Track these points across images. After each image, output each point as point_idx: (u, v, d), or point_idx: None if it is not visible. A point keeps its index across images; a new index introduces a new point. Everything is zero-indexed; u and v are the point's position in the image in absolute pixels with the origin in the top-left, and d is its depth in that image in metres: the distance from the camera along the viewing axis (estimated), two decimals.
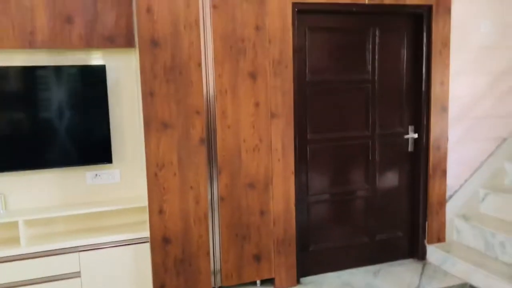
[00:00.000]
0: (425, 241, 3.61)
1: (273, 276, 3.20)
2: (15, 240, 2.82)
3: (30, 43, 2.70)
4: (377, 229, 3.57)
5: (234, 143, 2.99)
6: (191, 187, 2.94)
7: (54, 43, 2.74)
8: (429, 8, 3.35)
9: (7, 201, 2.89)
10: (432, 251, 3.57)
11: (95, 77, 2.88)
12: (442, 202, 3.61)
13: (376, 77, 3.39)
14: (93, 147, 2.94)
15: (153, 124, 2.81)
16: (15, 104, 2.78)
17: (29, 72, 2.78)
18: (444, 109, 3.49)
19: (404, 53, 3.44)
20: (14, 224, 2.83)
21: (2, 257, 2.69)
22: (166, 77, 2.80)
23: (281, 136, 3.09)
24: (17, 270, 2.72)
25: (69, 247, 2.81)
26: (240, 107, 2.97)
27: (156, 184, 2.86)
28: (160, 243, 2.92)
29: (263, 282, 3.24)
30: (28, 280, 2.74)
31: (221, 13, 2.87)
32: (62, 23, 2.74)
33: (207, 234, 3.01)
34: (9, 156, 2.81)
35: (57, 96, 2.86)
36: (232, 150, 2.99)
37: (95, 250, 2.85)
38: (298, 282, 3.28)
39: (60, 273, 2.80)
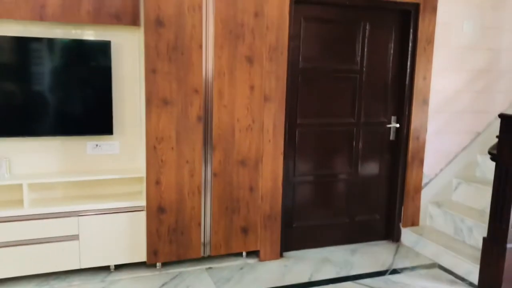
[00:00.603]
0: (400, 224, 3.88)
1: (258, 248, 3.42)
2: (18, 202, 2.97)
3: (41, 16, 2.84)
4: (356, 211, 3.82)
5: (229, 122, 3.18)
6: (187, 161, 3.13)
7: (63, 17, 2.88)
8: (416, 6, 3.57)
9: (11, 165, 3.03)
10: (406, 234, 3.84)
11: (100, 52, 3.03)
12: (418, 189, 3.88)
13: (364, 68, 3.61)
14: (95, 119, 3.10)
15: (154, 100, 2.99)
16: (23, 73, 2.92)
17: (36, 43, 2.92)
18: (425, 102, 3.74)
19: (391, 47, 3.67)
20: (18, 187, 2.98)
21: (6, 217, 2.85)
22: (168, 56, 2.97)
23: (272, 119, 3.29)
24: (20, 230, 2.88)
25: (69, 211, 2.97)
26: (236, 89, 3.16)
27: (154, 156, 3.05)
28: (155, 212, 3.12)
29: (248, 253, 3.47)
30: (30, 239, 2.90)
31: None
32: None
33: (199, 206, 3.22)
34: (15, 122, 2.95)
35: (63, 67, 3.00)
36: (226, 128, 3.19)
37: (94, 215, 3.02)
38: (281, 255, 3.51)
39: (60, 235, 2.96)
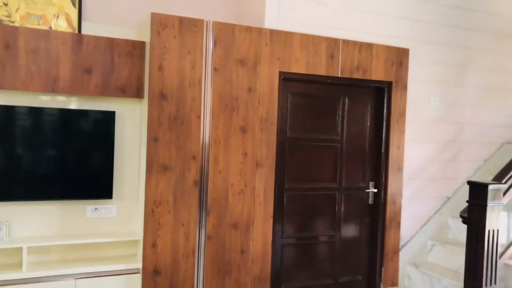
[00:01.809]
0: (381, 285, 4.07)
1: None
2: (17, 266, 3.02)
3: (53, 88, 3.07)
4: (340, 272, 4.00)
5: (223, 186, 3.40)
6: (183, 224, 3.29)
7: (73, 90, 3.11)
8: (389, 84, 4.01)
9: (10, 228, 3.11)
10: None
11: (105, 122, 3.25)
12: (396, 251, 4.12)
13: (344, 138, 3.95)
14: (96, 184, 3.26)
15: (154, 166, 3.19)
16: (30, 140, 3.09)
17: (46, 113, 3.12)
18: (400, 169, 4.08)
19: (368, 119, 4.05)
20: (16, 251, 3.05)
21: (5, 280, 2.89)
22: (169, 126, 3.22)
23: (263, 183, 3.53)
24: None
25: (66, 274, 3.04)
26: (230, 156, 3.41)
27: (152, 219, 3.20)
28: (151, 275, 3.21)
29: None
30: None
31: (220, 75, 3.37)
32: (82, 73, 3.13)
33: (193, 268, 3.34)
34: (18, 187, 3.08)
35: (69, 135, 3.20)
36: (221, 192, 3.40)
37: (91, 278, 3.10)
38: None
39: None
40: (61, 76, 3.09)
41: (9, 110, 3.02)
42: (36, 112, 3.09)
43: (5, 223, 3.05)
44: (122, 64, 3.23)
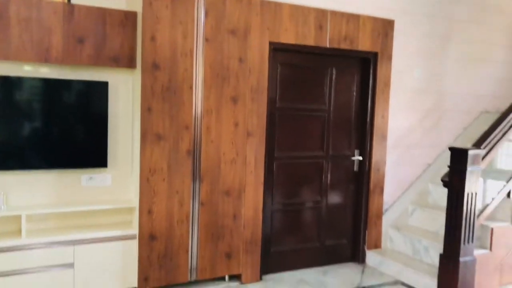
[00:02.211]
0: (365, 247, 4.29)
1: (240, 272, 3.69)
2: (16, 233, 3.10)
3: (45, 58, 3.07)
4: (326, 236, 4.20)
5: (215, 155, 3.50)
6: (177, 192, 3.40)
7: (66, 60, 3.13)
8: (375, 54, 4.11)
9: (7, 198, 3.17)
10: (371, 256, 4.25)
11: (98, 91, 3.28)
12: (379, 215, 4.33)
13: (331, 108, 4.08)
14: (92, 153, 3.32)
15: (148, 136, 3.26)
16: (25, 111, 3.12)
17: (40, 83, 3.14)
18: (384, 137, 4.24)
19: (354, 89, 4.18)
20: (14, 219, 3.12)
21: (5, 247, 2.97)
22: (162, 96, 3.28)
23: (254, 152, 3.65)
24: (18, 259, 3.00)
25: (65, 240, 3.14)
26: (222, 125, 3.50)
27: (147, 187, 3.29)
28: (147, 240, 3.33)
29: (231, 277, 3.73)
30: (27, 268, 3.03)
31: (212, 46, 3.41)
32: (74, 43, 3.14)
33: (187, 233, 3.47)
34: (14, 156, 3.12)
35: (63, 105, 3.23)
36: (213, 161, 3.50)
37: (89, 244, 3.20)
38: (260, 278, 3.79)
39: (56, 264, 3.11)
40: (54, 46, 3.09)
41: (4, 80, 3.03)
42: (29, 82, 3.10)
43: (2, 192, 3.10)
44: (114, 34, 3.24)
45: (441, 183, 3.47)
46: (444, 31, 4.51)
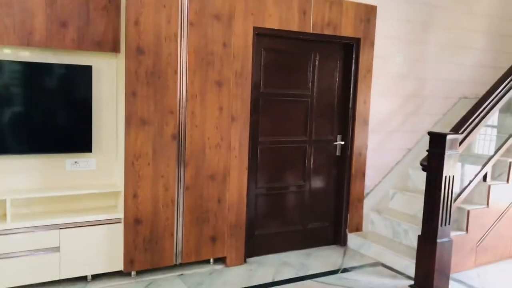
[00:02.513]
0: (347, 230, 4.39)
1: (225, 255, 3.75)
2: (1, 217, 3.10)
3: (28, 42, 3.04)
4: (309, 219, 4.28)
5: (200, 140, 3.53)
6: (162, 176, 3.42)
7: (49, 44, 3.10)
8: (358, 40, 4.17)
9: None
10: (352, 238, 4.36)
11: (82, 76, 3.27)
12: (361, 199, 4.43)
13: (314, 93, 4.13)
14: (77, 137, 3.31)
15: (133, 120, 3.27)
16: (8, 95, 3.09)
17: (23, 67, 3.11)
18: (366, 122, 4.32)
19: (337, 75, 4.23)
20: (0, 203, 3.11)
21: None
22: (147, 80, 3.28)
23: (238, 137, 3.68)
24: (3, 244, 3.01)
25: (50, 224, 3.14)
26: (206, 110, 3.53)
27: (132, 171, 3.31)
28: (132, 224, 3.36)
29: (215, 260, 3.79)
30: (12, 253, 3.04)
31: (196, 30, 3.42)
32: (58, 27, 3.11)
33: (172, 217, 3.51)
34: None
35: (47, 90, 3.21)
36: (198, 146, 3.53)
37: (74, 228, 3.21)
38: (245, 261, 3.87)
39: (42, 247, 3.12)
40: (37, 29, 3.06)
41: None
42: (12, 66, 3.07)
43: None
44: (98, 18, 3.22)
45: (420, 167, 3.57)
46: (425, 17, 4.58)
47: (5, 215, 3.08)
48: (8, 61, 3.07)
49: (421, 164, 3.54)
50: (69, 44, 3.16)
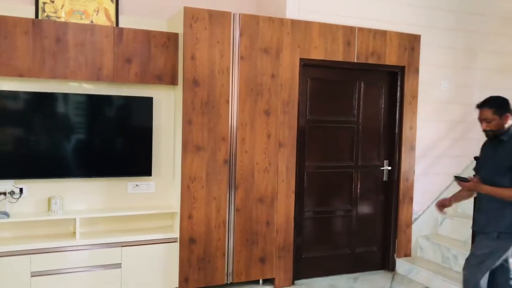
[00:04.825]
0: (395, 255, 4.40)
1: (274, 276, 3.89)
2: (70, 235, 3.43)
3: (98, 77, 3.42)
4: (356, 243, 4.34)
5: (249, 165, 3.74)
6: (214, 198, 3.65)
7: (116, 78, 3.47)
8: (402, 68, 4.28)
9: (63, 203, 3.50)
10: (400, 263, 4.36)
11: (144, 106, 3.61)
12: (409, 224, 4.44)
13: (360, 120, 4.26)
14: (137, 162, 3.63)
15: (189, 146, 3.55)
16: (77, 124, 3.47)
17: (91, 99, 3.49)
18: (412, 148, 4.38)
19: (382, 102, 4.35)
20: (67, 221, 3.45)
21: (61, 247, 3.30)
22: (201, 110, 3.56)
23: (285, 162, 3.87)
24: (71, 259, 3.32)
25: (114, 242, 3.43)
26: (255, 137, 3.75)
27: (188, 194, 3.57)
28: (187, 243, 3.59)
29: (264, 281, 3.93)
30: (80, 267, 3.34)
31: (246, 63, 3.69)
32: (123, 63, 3.48)
33: (224, 238, 3.71)
34: (68, 165, 3.47)
35: (112, 119, 3.58)
36: (247, 170, 3.74)
37: (135, 246, 3.49)
38: (293, 283, 3.98)
39: (106, 263, 3.41)
40: (105, 66, 3.44)
41: (64, 97, 3.40)
42: (84, 99, 3.46)
43: (59, 197, 3.44)
44: (158, 54, 3.57)
45: None
46: (469, 43, 4.63)
47: (74, 233, 3.40)
48: (81, 94, 3.46)
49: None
50: (132, 78, 3.51)
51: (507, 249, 2.87)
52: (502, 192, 2.82)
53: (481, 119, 2.95)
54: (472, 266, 2.97)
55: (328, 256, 4.23)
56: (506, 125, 2.89)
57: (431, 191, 4.57)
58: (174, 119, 3.76)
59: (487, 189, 2.88)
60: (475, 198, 3.42)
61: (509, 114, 2.88)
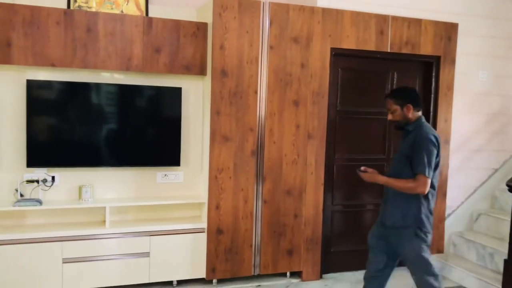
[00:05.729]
0: None
1: (301, 269, 3.84)
2: (100, 223, 3.48)
3: (127, 67, 3.44)
4: None
5: (277, 156, 3.70)
6: (242, 189, 3.63)
7: (145, 68, 3.48)
8: (438, 58, 4.12)
9: (94, 191, 3.55)
10: (433, 260, 4.22)
11: (173, 96, 3.61)
12: (442, 220, 4.30)
13: None
14: (166, 152, 3.65)
15: (217, 137, 3.53)
16: (108, 114, 3.51)
17: (120, 89, 3.51)
18: (447, 141, 4.22)
19: None
20: (97, 210, 3.50)
21: (92, 235, 3.35)
22: (230, 100, 3.53)
23: (314, 154, 3.80)
24: (101, 246, 3.37)
25: (142, 231, 3.47)
26: (284, 128, 3.70)
27: (215, 184, 3.55)
28: (215, 234, 3.59)
29: (291, 274, 3.89)
30: (109, 255, 3.39)
31: (275, 53, 3.63)
32: (152, 53, 3.48)
33: (251, 229, 3.68)
34: (99, 154, 3.51)
35: (141, 109, 3.60)
36: (275, 162, 3.70)
37: (163, 235, 3.51)
38: (321, 276, 3.92)
39: (134, 252, 3.45)
40: (135, 56, 3.45)
41: (95, 87, 3.45)
42: (114, 89, 3.49)
43: (90, 186, 3.49)
44: (187, 44, 3.55)
45: (507, 188, 3.43)
46: (509, 32, 4.41)
47: (103, 221, 3.45)
48: (111, 84, 3.49)
49: (507, 185, 3.41)
50: (161, 68, 3.51)
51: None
52: (396, 183, 2.84)
53: (388, 110, 2.91)
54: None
55: (357, 250, 4.14)
56: (410, 116, 2.83)
57: (466, 186, 4.41)
58: (203, 110, 3.75)
59: (383, 179, 2.93)
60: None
61: (410, 105, 2.81)
